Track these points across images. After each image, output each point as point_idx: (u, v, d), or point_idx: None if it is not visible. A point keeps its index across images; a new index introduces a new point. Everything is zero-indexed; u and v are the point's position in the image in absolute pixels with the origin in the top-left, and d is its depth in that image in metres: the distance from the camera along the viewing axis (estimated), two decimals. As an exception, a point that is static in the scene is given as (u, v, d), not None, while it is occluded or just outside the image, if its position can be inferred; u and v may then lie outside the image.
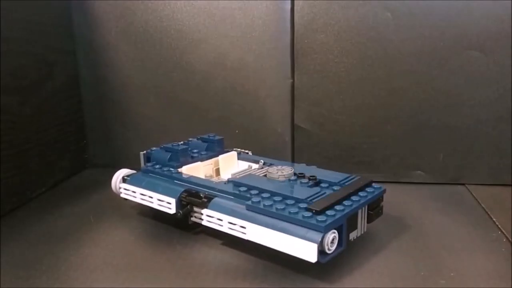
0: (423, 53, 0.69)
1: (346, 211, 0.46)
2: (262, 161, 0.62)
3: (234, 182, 0.53)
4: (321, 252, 0.44)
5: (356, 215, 0.49)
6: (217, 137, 0.66)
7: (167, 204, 0.54)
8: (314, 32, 0.71)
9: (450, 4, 0.67)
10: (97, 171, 0.82)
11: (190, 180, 0.56)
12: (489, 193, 0.68)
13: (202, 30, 0.75)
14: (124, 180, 0.61)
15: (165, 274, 0.47)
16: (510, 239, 0.54)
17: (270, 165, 0.60)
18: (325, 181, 0.53)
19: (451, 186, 0.72)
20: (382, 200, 0.53)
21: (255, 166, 0.63)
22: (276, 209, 0.46)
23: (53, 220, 0.61)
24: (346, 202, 0.48)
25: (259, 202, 0.48)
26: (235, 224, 0.48)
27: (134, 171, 0.62)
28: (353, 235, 0.49)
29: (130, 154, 0.81)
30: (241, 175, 0.57)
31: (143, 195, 0.57)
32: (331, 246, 0.44)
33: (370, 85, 0.72)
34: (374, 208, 0.51)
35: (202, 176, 0.59)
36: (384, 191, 0.52)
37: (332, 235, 0.44)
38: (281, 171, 0.55)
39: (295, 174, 0.55)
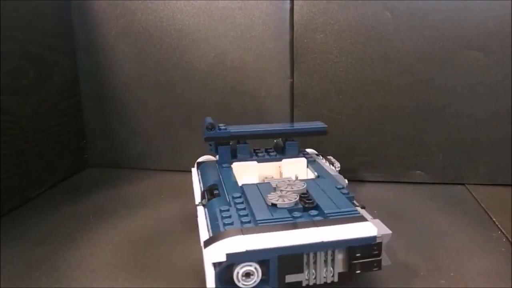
0: (423, 53, 0.69)
1: (284, 245, 0.39)
2: (296, 175, 0.58)
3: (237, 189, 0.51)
4: (232, 282, 0.39)
5: (300, 256, 0.40)
6: (291, 141, 0.62)
7: (197, 194, 0.55)
8: (313, 31, 0.71)
9: (450, 4, 0.67)
10: (97, 171, 0.82)
11: (221, 176, 0.55)
12: (489, 193, 0.68)
13: (202, 30, 0.75)
14: (198, 165, 0.62)
15: (165, 274, 0.47)
16: (510, 239, 0.54)
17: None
18: (320, 208, 0.44)
19: (451, 186, 0.72)
20: (377, 250, 0.41)
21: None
22: (225, 224, 0.43)
23: (53, 220, 0.61)
24: (288, 236, 0.39)
25: (223, 216, 0.44)
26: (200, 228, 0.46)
27: (214, 159, 0.62)
28: (296, 278, 0.40)
29: (130, 154, 0.82)
30: (258, 183, 0.53)
31: (194, 182, 0.58)
32: (245, 281, 0.39)
33: (370, 85, 0.72)
34: (361, 258, 0.41)
35: (256, 176, 0.58)
36: (375, 239, 0.40)
37: (246, 268, 0.38)
38: (290, 196, 0.46)
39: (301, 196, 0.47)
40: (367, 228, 0.40)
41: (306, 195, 0.47)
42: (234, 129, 0.60)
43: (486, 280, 0.46)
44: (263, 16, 0.73)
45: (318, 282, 0.40)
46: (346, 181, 0.58)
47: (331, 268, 0.41)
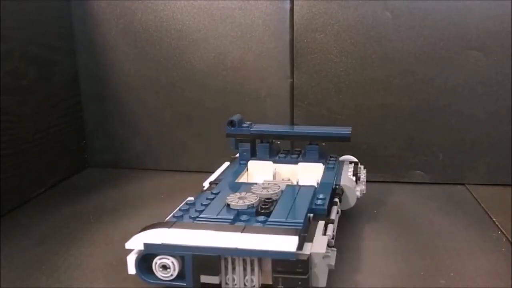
0: (423, 53, 0.69)
1: (197, 245, 0.39)
2: (297, 179, 0.59)
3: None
4: (150, 271, 0.41)
5: (217, 259, 0.39)
6: (312, 145, 0.61)
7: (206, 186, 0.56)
8: (313, 31, 0.71)
9: (450, 4, 0.67)
10: (97, 171, 0.82)
11: (225, 173, 0.58)
12: (489, 193, 0.68)
13: (202, 30, 0.75)
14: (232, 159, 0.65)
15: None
16: (510, 239, 0.54)
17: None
18: (274, 215, 0.44)
19: (451, 186, 0.72)
20: (302, 268, 0.38)
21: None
22: (174, 216, 0.45)
23: (53, 220, 0.61)
24: (202, 237, 0.40)
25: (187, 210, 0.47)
26: None
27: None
28: (211, 280, 0.40)
29: (130, 154, 0.82)
30: (245, 183, 0.55)
31: (213, 174, 0.60)
32: (162, 272, 0.40)
33: (370, 85, 0.72)
34: (284, 273, 0.38)
35: (271, 175, 0.59)
36: (291, 255, 0.37)
37: (162, 260, 0.40)
38: (248, 199, 0.47)
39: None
40: (286, 243, 0.38)
41: (269, 200, 0.47)
42: (256, 127, 0.61)
43: (486, 280, 0.46)
44: (263, 16, 0.73)
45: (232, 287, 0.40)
46: (358, 194, 0.56)
47: (252, 277, 0.40)
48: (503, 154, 0.70)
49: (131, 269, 0.41)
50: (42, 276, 0.47)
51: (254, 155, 0.62)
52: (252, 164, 0.60)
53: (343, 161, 0.63)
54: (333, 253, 0.42)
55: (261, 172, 0.60)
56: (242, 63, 0.75)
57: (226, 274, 0.40)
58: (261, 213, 0.45)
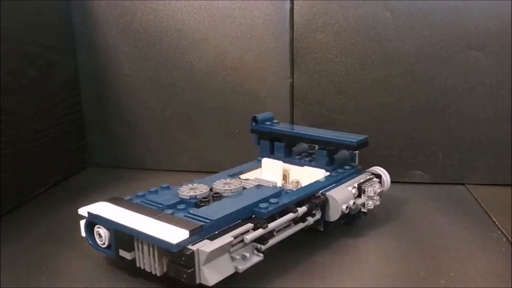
0: (423, 53, 0.69)
1: (115, 221, 0.44)
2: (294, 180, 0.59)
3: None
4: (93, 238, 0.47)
5: (131, 237, 0.43)
6: (321, 150, 0.60)
7: None
8: (313, 31, 0.71)
9: (450, 4, 0.67)
10: (97, 171, 0.82)
11: (240, 167, 0.62)
12: (489, 193, 0.68)
13: (202, 30, 0.75)
14: None
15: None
16: (510, 239, 0.54)
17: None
18: (201, 209, 0.46)
19: (451, 186, 0.72)
20: (185, 261, 0.39)
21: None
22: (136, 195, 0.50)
23: (53, 220, 0.61)
24: (119, 215, 0.44)
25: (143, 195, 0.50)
26: None
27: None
28: (125, 255, 0.45)
29: (130, 154, 0.82)
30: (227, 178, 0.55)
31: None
32: (99, 240, 0.47)
33: (370, 85, 0.72)
34: (174, 263, 0.40)
35: (279, 174, 0.60)
36: (174, 246, 0.39)
37: (98, 229, 0.46)
38: (195, 190, 0.50)
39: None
40: (173, 235, 0.40)
41: (216, 195, 0.49)
42: (278, 127, 0.63)
43: (486, 280, 0.46)
44: (263, 16, 0.73)
45: (147, 269, 0.43)
46: (344, 207, 0.50)
47: (155, 261, 0.42)
48: (503, 154, 0.70)
49: (82, 232, 0.48)
50: (42, 276, 0.47)
51: (272, 153, 0.63)
52: (265, 161, 0.61)
53: (362, 172, 0.60)
54: (251, 257, 0.43)
55: (271, 170, 0.61)
56: (242, 63, 0.75)
57: (138, 254, 0.44)
58: (199, 205, 0.47)
